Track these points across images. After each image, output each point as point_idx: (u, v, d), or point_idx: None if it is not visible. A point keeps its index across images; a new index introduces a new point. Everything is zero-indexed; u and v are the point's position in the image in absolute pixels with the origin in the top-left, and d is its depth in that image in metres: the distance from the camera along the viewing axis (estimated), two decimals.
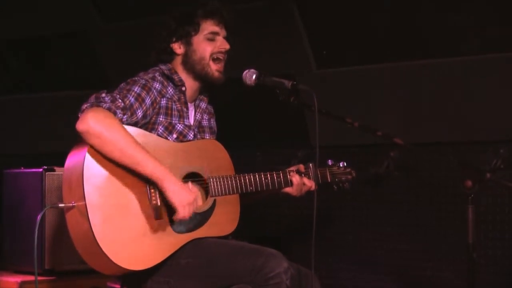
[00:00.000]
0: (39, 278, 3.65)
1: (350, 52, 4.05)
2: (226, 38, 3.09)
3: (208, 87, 3.16)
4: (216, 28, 3.07)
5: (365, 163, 3.38)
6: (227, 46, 3.08)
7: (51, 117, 5.06)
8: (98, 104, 2.76)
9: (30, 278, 3.66)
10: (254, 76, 3.02)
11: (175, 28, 3.05)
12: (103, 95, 2.80)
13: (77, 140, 2.79)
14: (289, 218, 4.38)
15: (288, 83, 2.94)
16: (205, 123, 3.17)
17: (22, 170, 3.89)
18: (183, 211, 2.78)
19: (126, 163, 2.74)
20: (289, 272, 2.76)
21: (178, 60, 3.08)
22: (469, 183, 2.62)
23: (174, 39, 3.06)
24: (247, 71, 3.04)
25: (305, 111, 4.16)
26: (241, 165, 3.11)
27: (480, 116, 3.82)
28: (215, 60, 3.06)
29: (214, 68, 3.06)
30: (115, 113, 2.77)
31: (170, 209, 2.83)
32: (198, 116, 3.13)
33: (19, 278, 3.67)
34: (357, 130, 2.90)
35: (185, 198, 2.78)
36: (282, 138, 4.43)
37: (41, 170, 3.74)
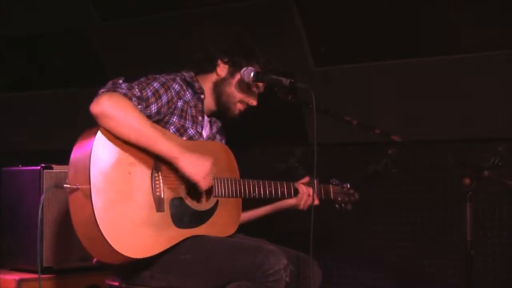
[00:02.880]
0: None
1: (348, 50, 4.04)
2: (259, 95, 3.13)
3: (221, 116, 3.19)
4: (260, 83, 3.09)
5: (363, 161, 3.38)
6: (255, 103, 3.13)
7: (49, 115, 5.07)
8: (114, 89, 2.77)
9: (29, 275, 3.66)
10: (252, 74, 3.03)
11: (235, 52, 3.06)
12: (120, 81, 2.82)
13: (76, 137, 2.80)
14: (288, 215, 4.38)
15: (286, 81, 2.95)
16: (218, 139, 3.19)
17: (20, 168, 3.89)
18: (204, 182, 2.84)
19: (142, 143, 2.76)
20: (289, 268, 2.77)
21: (211, 78, 3.10)
22: (467, 180, 2.62)
23: (225, 60, 3.07)
24: (245, 69, 3.05)
25: (304, 109, 4.15)
26: (239, 163, 3.11)
27: (479, 114, 3.83)
28: (242, 104, 3.11)
29: (238, 108, 3.12)
30: (130, 99, 2.78)
31: (172, 203, 2.84)
32: (214, 130, 3.16)
33: (17, 276, 3.66)
34: (356, 128, 2.91)
35: (202, 170, 2.83)
36: (280, 136, 4.42)
37: (39, 168, 3.74)
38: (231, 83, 3.08)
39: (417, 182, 4.05)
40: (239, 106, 3.11)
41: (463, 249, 2.63)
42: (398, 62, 3.94)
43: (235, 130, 3.37)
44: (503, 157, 2.65)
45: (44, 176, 3.72)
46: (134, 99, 2.79)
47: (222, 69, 3.08)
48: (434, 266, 4.00)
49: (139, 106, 2.81)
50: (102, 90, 2.78)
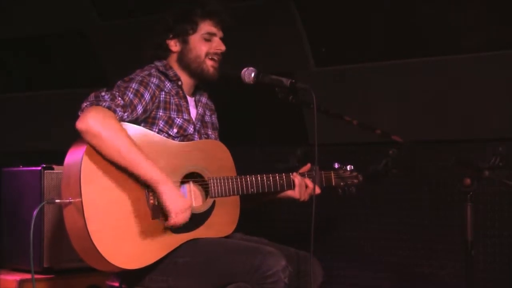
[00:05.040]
0: (38, 276, 3.65)
1: (349, 50, 4.04)
2: (222, 39, 3.11)
3: (204, 83, 3.17)
4: (213, 29, 3.09)
5: (364, 161, 3.38)
6: (223, 48, 3.10)
7: (50, 115, 5.06)
8: (97, 103, 2.76)
9: (29, 276, 3.64)
10: (253, 74, 3.03)
11: (173, 25, 3.08)
12: (103, 93, 2.81)
13: (76, 138, 2.80)
14: (289, 216, 4.38)
15: (287, 81, 2.94)
16: (207, 118, 3.19)
17: (21, 168, 3.89)
18: (176, 218, 2.78)
19: (123, 165, 2.74)
20: (287, 270, 2.76)
21: (173, 57, 3.11)
22: (467, 181, 2.62)
23: (170, 36, 3.09)
24: (246, 69, 3.05)
25: (304, 109, 4.15)
26: (239, 164, 3.11)
27: (479, 114, 3.83)
28: (211, 58, 3.08)
29: (210, 64, 3.09)
30: (115, 111, 2.77)
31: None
32: (200, 110, 3.14)
33: (18, 276, 3.66)
34: (356, 128, 2.90)
35: (179, 206, 2.78)
36: (280, 136, 4.43)
37: (39, 168, 3.74)
38: (190, 49, 3.08)
39: (417, 182, 4.05)
40: (210, 63, 3.08)
41: (463, 249, 2.63)
42: (398, 63, 3.94)
43: (235, 130, 3.37)
44: (504, 157, 2.65)
45: (45, 177, 3.72)
46: (118, 110, 2.79)
47: (174, 45, 3.09)
48: (435, 266, 4.00)
49: (126, 114, 2.81)
50: (85, 104, 2.77)
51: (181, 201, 2.79)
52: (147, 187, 2.79)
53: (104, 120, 2.73)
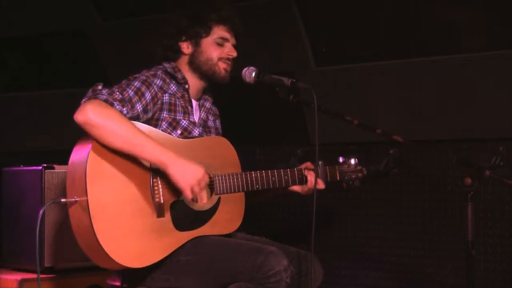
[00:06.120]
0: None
1: (349, 49, 4.05)
2: (235, 47, 3.12)
3: (212, 86, 3.17)
4: (226, 35, 3.09)
5: (364, 161, 3.38)
6: (235, 54, 3.11)
7: (50, 114, 5.06)
8: (95, 96, 2.76)
9: (30, 275, 3.66)
10: (253, 74, 3.03)
11: (186, 27, 3.07)
12: (100, 87, 2.81)
13: (77, 137, 2.80)
14: (289, 215, 4.39)
15: (287, 81, 2.94)
16: (210, 123, 3.18)
17: (22, 168, 3.89)
18: (189, 193, 2.78)
19: (128, 150, 2.73)
20: (289, 269, 2.76)
21: (184, 60, 3.10)
22: (468, 180, 2.62)
23: (183, 38, 3.08)
24: (246, 68, 3.05)
25: (305, 109, 4.16)
26: (240, 163, 3.11)
27: (480, 114, 3.83)
28: (223, 62, 3.09)
29: (222, 66, 3.09)
30: (112, 104, 2.76)
31: (173, 207, 2.83)
32: (203, 115, 3.14)
33: (18, 276, 3.66)
34: (357, 128, 2.91)
35: (191, 179, 2.77)
36: (281, 136, 4.43)
37: (40, 167, 3.74)
38: (202, 51, 3.08)
39: (418, 182, 4.05)
40: (222, 65, 3.09)
41: (464, 249, 2.63)
42: (399, 62, 3.95)
43: (235, 130, 3.37)
44: (504, 157, 2.65)
45: (45, 176, 3.72)
46: (116, 103, 2.78)
47: (187, 47, 3.09)
48: (436, 265, 4.00)
49: (124, 109, 2.80)
50: (84, 99, 2.77)
51: (192, 174, 2.77)
52: (152, 184, 2.79)
53: (102, 110, 2.72)
